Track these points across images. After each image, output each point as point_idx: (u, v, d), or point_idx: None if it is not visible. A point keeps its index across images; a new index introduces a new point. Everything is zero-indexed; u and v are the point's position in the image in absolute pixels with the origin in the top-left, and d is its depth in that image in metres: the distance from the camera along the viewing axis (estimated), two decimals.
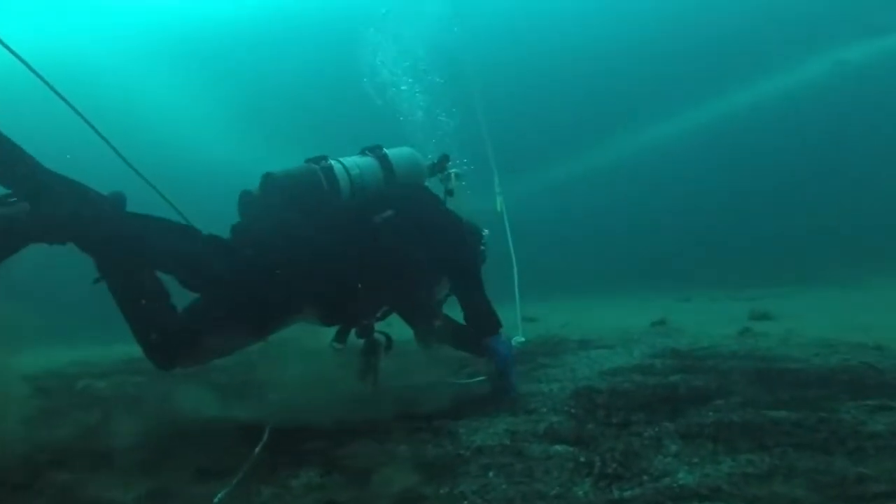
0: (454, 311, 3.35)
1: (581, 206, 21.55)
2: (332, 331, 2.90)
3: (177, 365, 2.53)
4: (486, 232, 3.48)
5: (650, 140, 21.48)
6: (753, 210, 19.62)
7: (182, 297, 2.62)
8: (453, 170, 3.22)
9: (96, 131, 2.52)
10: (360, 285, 2.65)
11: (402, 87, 3.94)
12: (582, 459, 1.97)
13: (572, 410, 2.68)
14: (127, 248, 2.35)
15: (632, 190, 21.84)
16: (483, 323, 3.06)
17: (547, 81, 20.53)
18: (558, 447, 2.10)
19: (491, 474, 1.85)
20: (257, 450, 2.27)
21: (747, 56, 19.73)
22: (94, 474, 2.07)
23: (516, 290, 3.88)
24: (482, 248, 3.43)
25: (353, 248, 2.69)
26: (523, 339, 3.85)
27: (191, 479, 2.01)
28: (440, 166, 3.19)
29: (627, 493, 1.67)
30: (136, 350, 2.70)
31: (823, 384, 3.06)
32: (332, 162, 2.84)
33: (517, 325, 3.95)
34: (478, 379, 3.32)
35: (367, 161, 2.94)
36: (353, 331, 2.93)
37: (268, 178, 2.75)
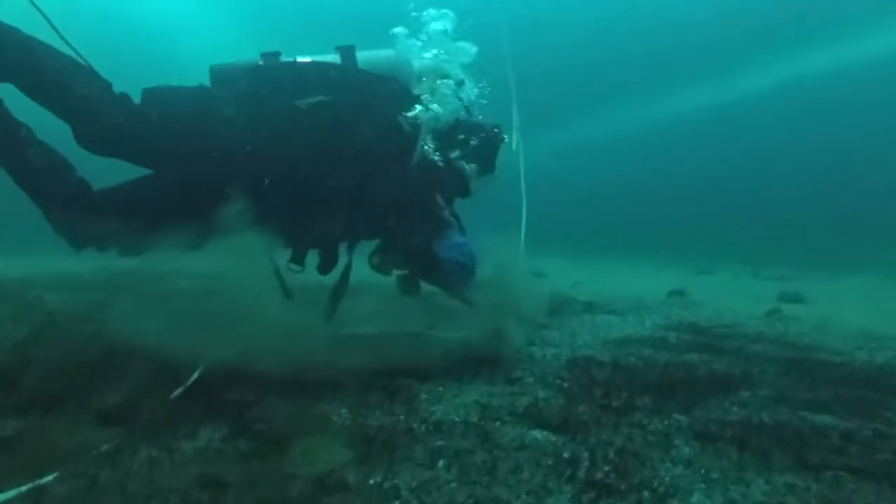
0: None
1: (609, 167, 20.65)
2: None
3: (85, 238, 2.34)
4: (505, 138, 2.92)
5: (691, 106, 20.19)
6: (790, 188, 18.57)
7: None
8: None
9: None
10: (266, 181, 2.24)
11: None
12: (565, 455, 1.51)
13: (564, 384, 2.21)
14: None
15: (665, 156, 20.81)
16: (424, 230, 2.44)
17: (586, 37, 19.07)
18: (538, 434, 1.64)
19: (441, 464, 1.40)
20: (174, 395, 1.88)
21: (798, 28, 17.94)
22: None
23: (523, 235, 3.37)
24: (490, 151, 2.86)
25: (263, 133, 2.27)
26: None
27: (75, 420, 1.61)
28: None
29: None
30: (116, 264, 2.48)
31: (872, 385, 2.55)
32: (286, 57, 2.47)
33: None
34: (459, 334, 2.86)
35: (328, 57, 2.47)
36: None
37: (211, 71, 2.46)
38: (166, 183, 2.37)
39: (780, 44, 18.13)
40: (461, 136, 2.73)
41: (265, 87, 2.34)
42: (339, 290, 2.50)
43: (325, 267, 2.47)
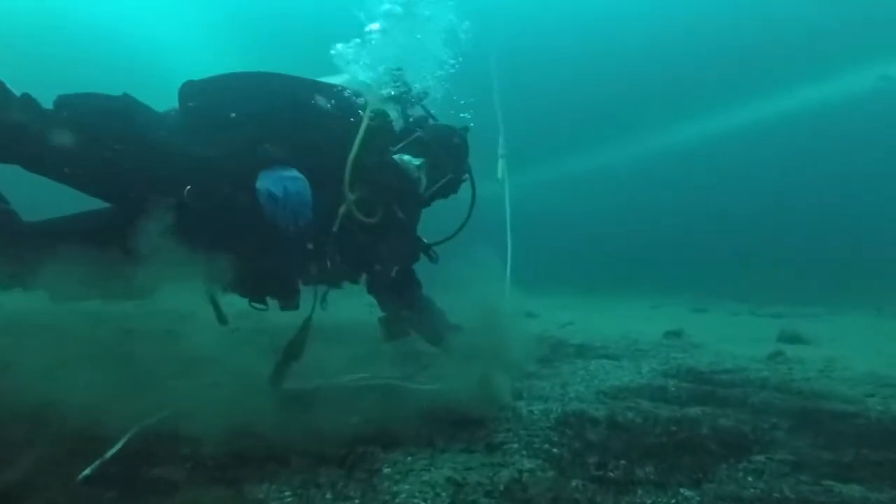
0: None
1: (599, 202, 20.67)
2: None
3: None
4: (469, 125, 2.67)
5: (680, 142, 20.38)
6: (783, 223, 18.62)
7: None
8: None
9: None
10: (189, 186, 1.98)
11: None
12: None
13: (554, 450, 1.92)
14: None
15: (655, 191, 20.88)
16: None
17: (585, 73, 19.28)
18: None
19: None
20: (85, 473, 1.57)
21: (787, 63, 18.25)
22: None
23: (508, 268, 3.13)
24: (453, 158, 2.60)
25: (193, 138, 2.06)
26: None
27: None
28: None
29: None
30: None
31: (893, 441, 2.29)
32: None
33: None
34: (436, 386, 2.57)
35: None
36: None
37: None
38: (101, 216, 2.13)
39: (772, 77, 18.41)
40: (399, 130, 2.48)
41: (197, 97, 2.12)
42: (293, 349, 2.20)
43: (288, 302, 2.21)
